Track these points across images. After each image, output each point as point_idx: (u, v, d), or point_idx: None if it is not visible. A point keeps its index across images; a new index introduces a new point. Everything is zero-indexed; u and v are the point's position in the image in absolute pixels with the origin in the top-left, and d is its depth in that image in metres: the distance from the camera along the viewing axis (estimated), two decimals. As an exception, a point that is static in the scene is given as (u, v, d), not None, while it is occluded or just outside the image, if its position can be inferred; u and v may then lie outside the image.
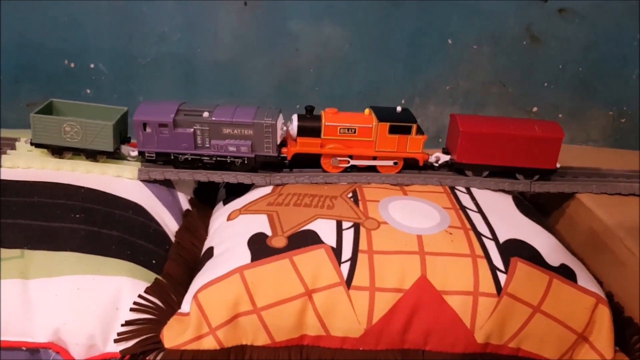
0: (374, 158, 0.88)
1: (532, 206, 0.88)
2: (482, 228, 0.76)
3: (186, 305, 0.69)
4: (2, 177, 0.80)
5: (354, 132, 0.86)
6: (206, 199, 0.96)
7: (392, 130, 0.85)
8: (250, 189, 0.88)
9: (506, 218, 0.79)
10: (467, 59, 1.38)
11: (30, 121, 0.84)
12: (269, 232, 0.74)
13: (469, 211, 0.79)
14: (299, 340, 0.69)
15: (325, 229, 0.74)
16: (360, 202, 0.80)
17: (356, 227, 0.74)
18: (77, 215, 0.75)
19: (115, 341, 0.66)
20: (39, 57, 1.34)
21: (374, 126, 0.85)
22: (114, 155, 0.87)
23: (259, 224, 0.77)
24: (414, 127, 0.85)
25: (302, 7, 1.33)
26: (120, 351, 0.65)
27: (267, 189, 0.86)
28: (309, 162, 0.88)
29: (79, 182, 0.81)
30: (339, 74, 1.40)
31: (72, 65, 1.35)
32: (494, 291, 0.69)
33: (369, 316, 0.68)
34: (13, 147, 0.87)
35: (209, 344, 0.66)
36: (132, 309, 0.67)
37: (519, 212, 0.82)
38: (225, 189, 0.94)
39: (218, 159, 0.85)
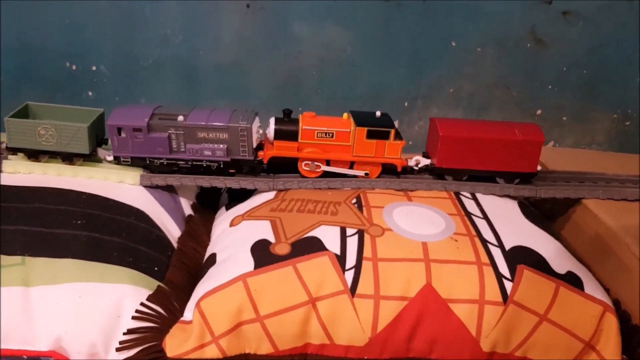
0: (352, 163, 0.87)
1: (538, 212, 0.87)
2: (488, 235, 0.75)
3: (189, 313, 0.69)
4: (3, 183, 0.80)
5: (332, 136, 0.85)
6: (208, 204, 0.95)
7: (370, 135, 0.85)
8: (253, 194, 0.87)
9: (512, 224, 0.79)
10: (470, 61, 1.38)
11: (5, 125, 0.84)
12: (272, 239, 0.74)
13: (474, 217, 0.78)
14: (303, 349, 0.68)
15: (329, 235, 0.73)
16: (364, 208, 0.79)
17: (360, 233, 0.74)
18: (79, 222, 0.74)
19: (117, 350, 0.65)
20: (41, 59, 1.33)
21: (352, 130, 0.85)
22: (90, 158, 0.86)
23: (262, 230, 0.76)
24: (392, 132, 0.85)
25: (305, 9, 1.32)
26: (123, 360, 0.65)
27: (270, 195, 0.85)
28: (287, 166, 0.87)
29: (80, 188, 0.80)
30: (341, 76, 1.39)
31: (74, 67, 1.35)
32: (500, 299, 0.68)
33: (374, 324, 0.67)
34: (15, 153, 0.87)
35: (211, 352, 0.66)
36: (134, 317, 0.66)
37: (525, 218, 0.82)
38: (228, 193, 0.93)
39: (194, 163, 0.84)
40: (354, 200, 0.81)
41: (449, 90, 1.41)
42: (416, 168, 0.89)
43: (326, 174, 0.87)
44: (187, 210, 0.88)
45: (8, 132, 0.84)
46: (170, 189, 0.88)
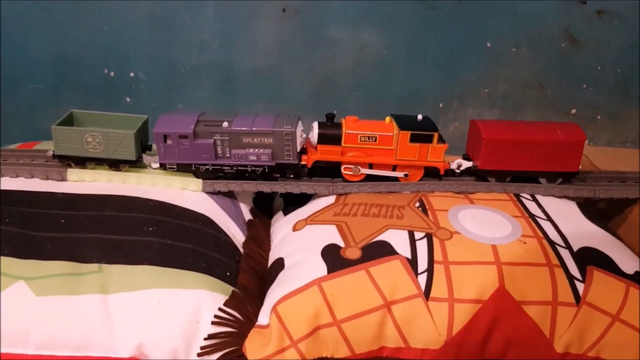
0: (394, 167, 0.87)
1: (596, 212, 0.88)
2: (555, 236, 0.76)
3: (264, 317, 0.69)
4: (72, 191, 0.81)
5: (375, 140, 0.85)
6: (262, 208, 0.96)
7: (413, 138, 0.85)
8: (312, 199, 0.88)
9: (575, 225, 0.79)
10: (505, 61, 1.38)
11: (52, 133, 0.84)
12: (341, 244, 0.74)
13: (538, 219, 0.79)
14: (379, 352, 0.69)
15: (397, 239, 0.74)
16: (429, 212, 0.79)
17: (429, 237, 0.74)
18: (150, 228, 0.75)
19: (199, 355, 0.66)
20: (79, 66, 1.34)
21: (395, 134, 0.85)
22: (136, 164, 0.87)
23: (330, 234, 0.76)
24: (436, 135, 0.85)
25: (341, 13, 1.33)
26: (206, 365, 0.66)
27: (331, 199, 0.86)
28: (329, 170, 0.88)
29: (146, 195, 0.81)
30: (376, 79, 1.39)
31: (112, 74, 1.36)
32: (573, 300, 0.69)
33: (449, 327, 0.68)
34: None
35: (291, 356, 0.66)
36: (213, 322, 0.67)
37: (586, 218, 0.82)
38: (283, 198, 0.94)
39: (239, 168, 0.85)
40: (418, 204, 0.82)
41: (484, 90, 1.41)
42: (458, 171, 0.89)
43: (368, 177, 0.87)
44: (247, 215, 0.89)
45: (55, 140, 0.84)
46: (230, 195, 0.88)
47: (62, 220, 0.75)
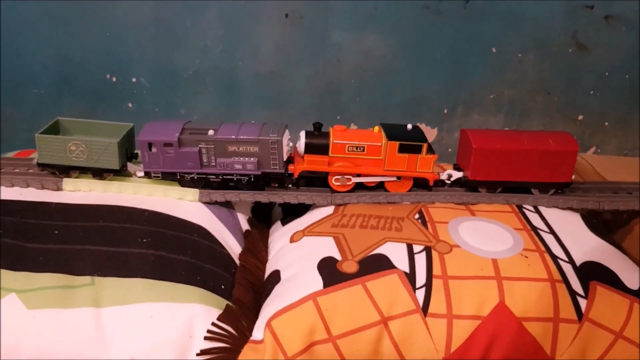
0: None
1: (600, 224, 0.86)
2: (557, 250, 0.74)
3: (258, 332, 0.68)
4: (67, 201, 0.80)
5: (363, 150, 0.84)
6: (261, 217, 0.94)
7: (402, 149, 0.83)
8: (310, 209, 0.86)
9: (579, 239, 0.77)
10: (511, 67, 1.36)
11: (36, 141, 0.84)
12: (338, 256, 0.73)
13: (540, 232, 0.77)
14: (375, 369, 0.67)
15: (396, 252, 0.73)
16: (428, 224, 0.78)
17: (428, 250, 0.73)
18: (144, 240, 0.74)
19: (191, 371, 0.65)
20: (81, 71, 1.34)
21: (383, 145, 0.83)
22: (121, 173, 0.86)
23: (327, 247, 0.75)
24: (424, 146, 0.83)
25: (344, 18, 1.32)
26: (198, 382, 0.64)
27: (329, 209, 0.84)
28: (317, 180, 0.87)
29: (142, 205, 0.80)
30: (380, 84, 1.38)
31: (114, 79, 1.35)
32: (575, 317, 0.67)
33: (447, 344, 0.66)
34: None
35: (285, 373, 0.65)
36: (206, 338, 0.66)
37: (590, 231, 0.80)
38: (282, 207, 0.92)
39: (224, 177, 0.84)
40: (417, 216, 0.80)
41: (489, 96, 1.40)
42: (448, 182, 0.88)
43: (358, 187, 0.86)
44: (245, 226, 0.88)
45: (39, 148, 0.84)
46: (227, 204, 0.87)
47: (56, 231, 0.74)
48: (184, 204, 0.83)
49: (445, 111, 1.41)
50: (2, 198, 0.80)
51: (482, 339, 0.66)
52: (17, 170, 0.86)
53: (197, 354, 0.65)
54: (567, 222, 0.81)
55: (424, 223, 0.78)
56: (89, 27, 1.29)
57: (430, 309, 0.67)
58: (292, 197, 0.85)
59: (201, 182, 0.85)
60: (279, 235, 0.85)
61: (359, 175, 0.85)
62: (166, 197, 0.84)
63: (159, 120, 0.86)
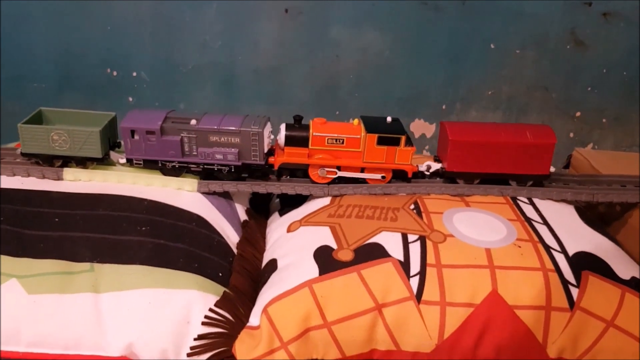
0: (363, 169, 0.87)
1: (594, 216, 0.86)
2: (550, 240, 0.75)
3: (255, 318, 0.69)
4: (67, 190, 0.81)
5: (342, 142, 0.84)
6: (259, 208, 0.95)
7: (381, 141, 0.84)
8: (307, 200, 0.87)
9: (572, 230, 0.78)
10: (510, 63, 1.37)
11: (19, 131, 0.85)
12: (334, 245, 0.74)
13: (534, 223, 0.78)
14: (369, 355, 0.68)
15: (390, 242, 0.74)
16: (423, 214, 0.79)
17: (422, 240, 0.74)
18: (143, 228, 0.75)
19: (188, 355, 0.66)
20: (82, 65, 1.35)
21: (362, 137, 0.84)
22: (103, 162, 0.87)
23: (323, 236, 0.76)
24: (403, 138, 0.84)
25: (343, 14, 1.33)
26: (195, 366, 0.65)
27: (326, 200, 0.85)
28: (298, 172, 0.88)
29: (141, 195, 0.81)
30: (379, 80, 1.39)
31: (115, 73, 1.37)
32: (567, 305, 0.68)
33: (440, 331, 0.67)
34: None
35: (281, 358, 0.66)
36: (203, 323, 0.67)
37: (584, 223, 0.81)
38: (280, 199, 0.93)
39: (205, 167, 0.85)
40: (412, 206, 0.81)
41: (487, 92, 1.41)
42: (427, 174, 0.89)
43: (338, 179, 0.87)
44: (242, 216, 0.89)
45: (22, 138, 0.85)
46: (225, 195, 0.88)
47: (57, 219, 0.75)
48: (183, 194, 0.84)
49: (444, 107, 1.42)
50: (4, 187, 0.80)
51: (474, 326, 0.67)
52: (18, 160, 0.87)
53: (195, 339, 0.66)
54: (560, 214, 0.82)
55: (419, 213, 0.79)
56: (90, 22, 1.31)
57: (424, 297, 0.68)
58: (289, 188, 0.86)
59: (182, 171, 0.86)
60: (277, 226, 0.86)
61: (339, 169, 0.86)
62: (165, 187, 0.85)
63: (143, 109, 0.87)
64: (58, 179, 0.85)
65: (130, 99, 1.39)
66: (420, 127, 1.43)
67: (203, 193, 0.86)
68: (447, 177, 0.87)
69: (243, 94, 1.40)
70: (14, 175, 0.85)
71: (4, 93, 1.35)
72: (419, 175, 0.89)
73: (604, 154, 1.04)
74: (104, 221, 0.75)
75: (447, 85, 1.40)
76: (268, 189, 0.86)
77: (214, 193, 0.86)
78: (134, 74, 1.37)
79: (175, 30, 1.33)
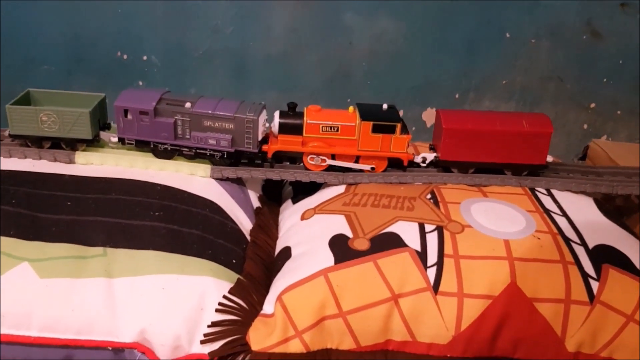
0: (357, 158, 0.85)
1: (613, 209, 0.85)
2: (570, 233, 0.73)
3: (269, 306, 0.68)
4: (79, 174, 0.80)
5: (337, 130, 0.83)
6: (271, 195, 0.94)
7: (376, 129, 0.83)
8: (321, 188, 0.86)
9: (591, 222, 0.77)
10: (524, 53, 1.36)
11: (7, 113, 0.83)
12: (349, 234, 0.73)
13: (553, 214, 0.77)
14: (384, 345, 0.67)
15: (407, 231, 0.72)
16: (440, 204, 0.78)
17: (439, 230, 0.73)
18: (157, 213, 0.74)
19: (202, 342, 0.65)
20: (93, 49, 1.34)
21: (357, 125, 0.83)
22: (93, 143, 0.86)
23: (338, 224, 0.75)
24: (398, 126, 0.83)
25: (357, 0, 1.31)
26: (209, 353, 0.65)
27: (340, 188, 0.84)
28: (293, 159, 0.87)
29: (154, 180, 0.80)
30: (392, 68, 1.37)
31: (125, 57, 1.35)
32: (587, 299, 0.67)
33: (457, 323, 0.66)
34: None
35: (295, 347, 0.65)
36: (217, 310, 0.66)
37: (603, 215, 0.80)
38: (292, 186, 0.92)
39: (198, 151, 0.84)
40: (429, 196, 0.80)
41: (501, 82, 1.39)
42: (423, 165, 0.87)
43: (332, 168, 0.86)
44: (255, 203, 0.88)
45: (10, 119, 0.83)
46: (238, 181, 0.87)
47: (69, 203, 0.74)
48: (196, 180, 0.83)
49: (457, 96, 1.40)
50: (16, 169, 0.80)
51: (492, 318, 0.66)
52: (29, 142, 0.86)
53: (208, 326, 0.66)
54: (579, 206, 0.81)
55: (436, 203, 0.78)
56: (101, 4, 1.29)
57: (441, 288, 0.67)
58: (303, 175, 0.85)
59: (174, 154, 0.85)
60: (290, 213, 0.85)
61: (333, 158, 0.85)
62: (178, 173, 0.84)
63: (138, 89, 0.85)
64: (70, 162, 0.84)
65: (141, 82, 1.37)
66: (432, 116, 1.42)
67: (216, 179, 0.85)
68: (440, 166, 0.86)
69: (254, 81, 1.38)
70: (25, 157, 0.84)
71: (14, 76, 1.34)
72: (413, 164, 0.87)
73: (621, 145, 1.03)
74: (117, 205, 0.75)
75: (460, 74, 1.38)
76: (282, 175, 0.85)
77: (227, 179, 0.85)
78: (145, 57, 1.35)
79: (187, 15, 1.31)
